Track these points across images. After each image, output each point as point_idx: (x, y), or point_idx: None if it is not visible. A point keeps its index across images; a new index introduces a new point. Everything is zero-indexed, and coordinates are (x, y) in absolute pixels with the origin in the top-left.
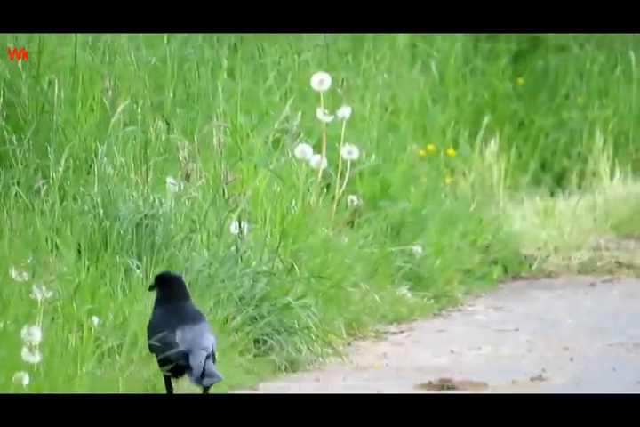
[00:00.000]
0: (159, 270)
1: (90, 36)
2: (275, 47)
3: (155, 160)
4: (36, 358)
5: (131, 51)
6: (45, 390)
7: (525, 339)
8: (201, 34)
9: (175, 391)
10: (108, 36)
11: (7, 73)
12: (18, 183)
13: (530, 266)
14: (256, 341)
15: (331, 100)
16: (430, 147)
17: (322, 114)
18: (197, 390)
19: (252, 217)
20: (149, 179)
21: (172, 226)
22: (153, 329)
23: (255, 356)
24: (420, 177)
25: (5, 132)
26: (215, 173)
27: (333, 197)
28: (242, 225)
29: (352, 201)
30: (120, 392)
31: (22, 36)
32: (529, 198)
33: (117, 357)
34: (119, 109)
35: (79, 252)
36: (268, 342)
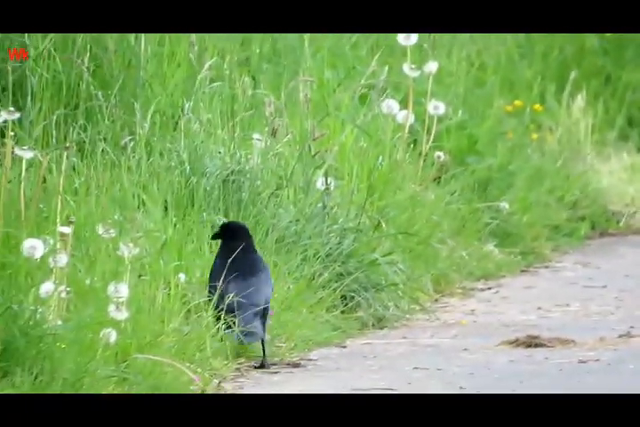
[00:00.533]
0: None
1: None
2: None
3: (241, 116)
4: (122, 315)
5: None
6: (132, 348)
7: (613, 296)
8: None
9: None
10: None
11: None
12: (105, 139)
13: (617, 222)
14: (343, 297)
15: (417, 55)
16: (517, 102)
17: (408, 69)
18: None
19: (339, 173)
20: (236, 135)
21: (259, 182)
22: (210, 278)
23: (342, 313)
24: (507, 133)
25: (92, 88)
26: (302, 128)
27: (420, 153)
28: (328, 181)
29: (439, 157)
30: (207, 349)
31: None
32: (616, 154)
33: (204, 313)
34: (206, 65)
35: (166, 208)
36: (355, 298)
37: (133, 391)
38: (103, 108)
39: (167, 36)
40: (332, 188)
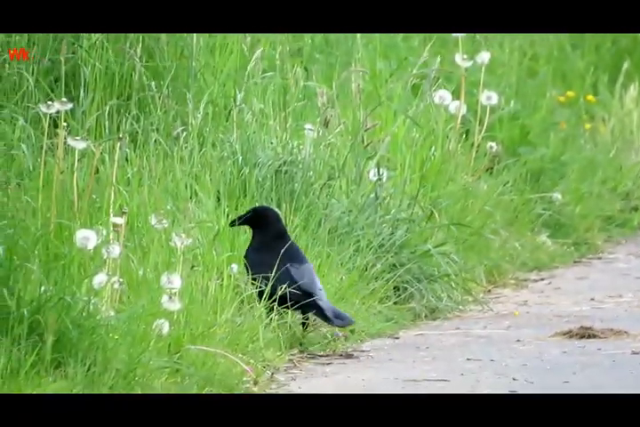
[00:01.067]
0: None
1: None
2: None
3: (293, 106)
4: (175, 306)
5: None
6: (185, 339)
7: None
8: None
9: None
10: None
11: None
12: (157, 130)
13: None
14: (396, 288)
15: (469, 46)
16: (570, 93)
17: (461, 59)
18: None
19: (391, 164)
20: (288, 125)
21: (311, 173)
22: (259, 264)
23: (395, 304)
24: (560, 123)
25: (145, 79)
26: (354, 119)
27: (472, 144)
28: (381, 172)
29: (491, 147)
30: (260, 340)
31: None
32: None
33: (257, 304)
34: (257, 55)
35: (218, 199)
36: (407, 289)
37: (186, 383)
38: (156, 99)
39: None
40: (384, 178)
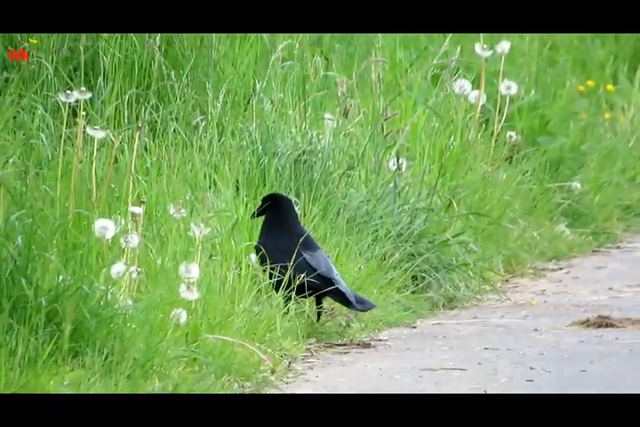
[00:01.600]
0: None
1: None
2: None
3: (313, 96)
4: (193, 296)
5: None
6: (203, 328)
7: None
8: None
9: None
10: None
11: None
12: (176, 119)
13: None
14: (414, 277)
15: (489, 35)
16: (589, 82)
17: (480, 49)
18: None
19: (411, 153)
20: (308, 115)
21: (331, 162)
22: (277, 252)
23: (413, 293)
24: (579, 113)
25: (164, 68)
26: (374, 108)
27: (492, 133)
28: (400, 161)
29: (511, 137)
30: (278, 329)
31: None
32: None
33: (274, 293)
34: (279, 47)
35: (237, 188)
36: (425, 278)
37: (203, 372)
38: (175, 88)
39: None
40: (403, 168)
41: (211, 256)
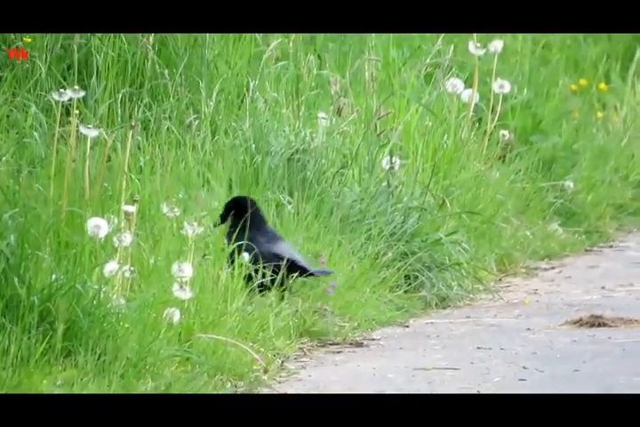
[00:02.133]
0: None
1: None
2: None
3: (306, 95)
4: (186, 295)
5: None
6: (196, 327)
7: None
8: None
9: None
10: None
11: None
12: (169, 118)
13: None
14: (407, 277)
15: (482, 34)
16: (582, 81)
17: (474, 48)
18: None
19: (404, 152)
20: (301, 113)
21: (324, 161)
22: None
23: (405, 292)
24: (572, 112)
25: (157, 67)
26: (367, 107)
27: (485, 132)
28: (393, 160)
29: (504, 135)
30: (270, 328)
31: None
32: None
33: (268, 293)
34: (272, 46)
35: (230, 187)
36: (418, 278)
37: (196, 371)
38: (168, 87)
39: None
40: (396, 167)
41: (204, 255)
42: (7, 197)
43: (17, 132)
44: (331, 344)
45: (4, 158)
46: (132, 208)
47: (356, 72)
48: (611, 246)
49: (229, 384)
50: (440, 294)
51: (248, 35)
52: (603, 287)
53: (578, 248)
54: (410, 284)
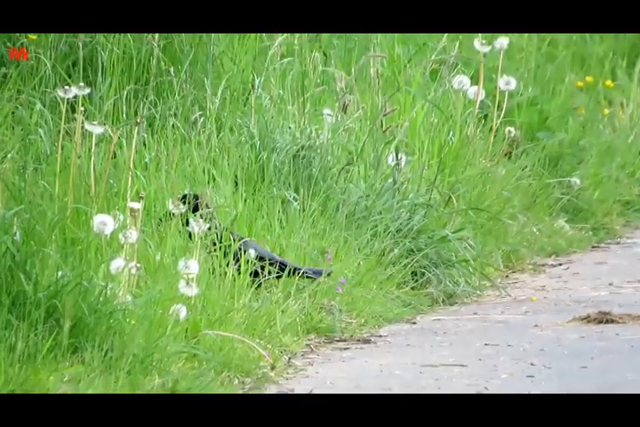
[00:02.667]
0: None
1: None
2: None
3: (312, 92)
4: (192, 292)
5: None
6: (202, 324)
7: None
8: None
9: None
10: None
11: None
12: (175, 115)
13: None
14: (413, 273)
15: None
16: (588, 78)
17: (479, 44)
18: None
19: (410, 148)
20: (306, 110)
21: (329, 158)
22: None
23: (412, 289)
24: (578, 108)
25: (163, 64)
26: (372, 104)
27: (491, 129)
28: (399, 157)
29: (510, 132)
30: (277, 325)
31: None
32: None
33: (274, 289)
34: (277, 42)
35: (236, 184)
36: (425, 274)
37: (203, 368)
38: (174, 84)
39: None
40: (402, 163)
41: (210, 252)
42: (13, 194)
43: (22, 129)
44: (338, 341)
45: (9, 155)
46: (137, 205)
47: (361, 69)
48: (618, 243)
49: (236, 381)
50: (447, 291)
51: None
52: (610, 284)
53: (585, 245)
54: (417, 280)
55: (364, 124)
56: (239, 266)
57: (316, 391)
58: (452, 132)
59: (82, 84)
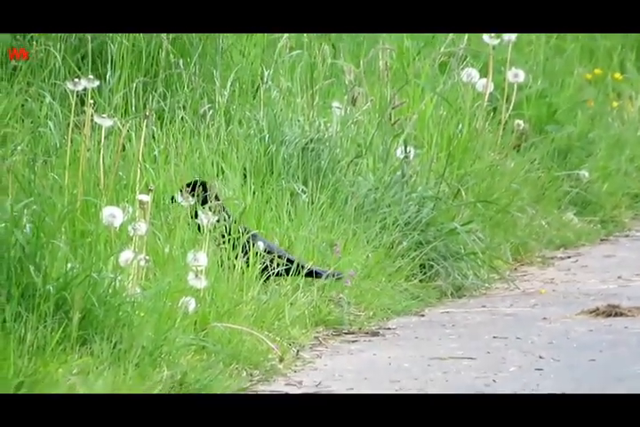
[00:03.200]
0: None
1: None
2: None
3: (321, 84)
4: (201, 284)
5: None
6: (211, 316)
7: None
8: None
9: None
10: None
11: None
12: (184, 108)
13: None
14: (422, 266)
15: None
16: (597, 70)
17: (488, 37)
18: None
19: (418, 141)
20: (315, 103)
21: (338, 150)
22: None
23: (421, 281)
24: (587, 101)
25: (172, 56)
26: (381, 96)
27: (500, 121)
28: (408, 149)
29: (518, 125)
30: (286, 317)
31: None
32: None
33: (283, 282)
34: (285, 35)
35: (245, 176)
36: (433, 267)
37: (212, 360)
38: (183, 77)
39: None
40: (411, 156)
41: (218, 244)
42: (23, 186)
43: (32, 122)
44: (346, 333)
45: (19, 148)
46: (146, 197)
47: (370, 61)
48: (627, 236)
49: (245, 373)
50: (455, 284)
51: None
52: (619, 277)
53: (593, 237)
54: (425, 273)
55: (373, 117)
56: (248, 259)
57: (324, 384)
58: (460, 125)
59: (91, 76)
